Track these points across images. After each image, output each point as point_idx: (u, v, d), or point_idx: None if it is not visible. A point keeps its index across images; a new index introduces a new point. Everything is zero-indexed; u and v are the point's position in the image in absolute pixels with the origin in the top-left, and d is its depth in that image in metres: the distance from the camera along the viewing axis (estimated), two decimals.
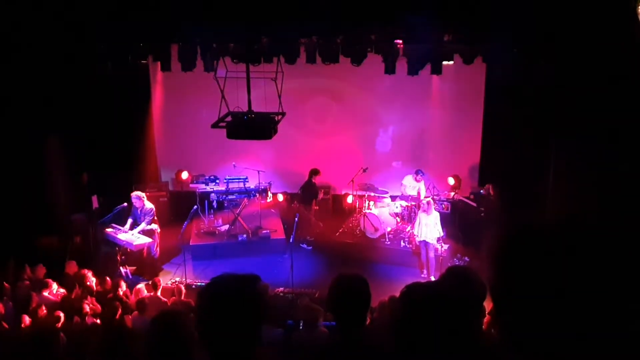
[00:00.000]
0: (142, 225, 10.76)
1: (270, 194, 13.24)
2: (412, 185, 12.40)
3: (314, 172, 12.72)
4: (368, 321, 2.83)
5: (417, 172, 12.29)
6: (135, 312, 7.75)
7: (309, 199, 12.71)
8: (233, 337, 2.04)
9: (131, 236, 10.63)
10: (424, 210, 10.56)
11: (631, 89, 8.39)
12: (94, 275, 9.13)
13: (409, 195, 12.28)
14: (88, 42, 9.88)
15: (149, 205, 10.96)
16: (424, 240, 10.61)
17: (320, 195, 13.04)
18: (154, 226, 11.00)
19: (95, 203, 11.98)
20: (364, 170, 12.65)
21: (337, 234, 12.28)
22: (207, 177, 13.67)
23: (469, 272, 2.42)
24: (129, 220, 10.92)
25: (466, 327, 1.81)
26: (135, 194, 10.95)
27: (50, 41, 9.44)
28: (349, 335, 2.60)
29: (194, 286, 10.10)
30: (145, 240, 10.64)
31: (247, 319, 2.05)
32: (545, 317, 1.32)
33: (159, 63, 11.34)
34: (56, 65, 9.96)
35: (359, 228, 12.19)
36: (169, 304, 8.23)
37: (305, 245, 12.26)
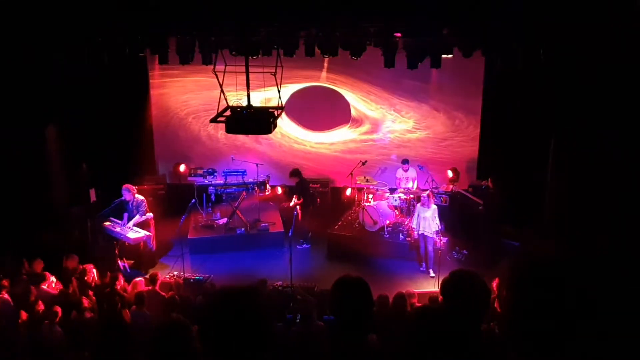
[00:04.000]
0: (136, 218, 10.73)
1: (268, 187, 13.22)
2: (404, 177, 12.45)
3: (293, 173, 12.52)
4: None
5: (403, 162, 12.50)
6: (134, 307, 7.73)
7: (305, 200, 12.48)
8: (238, 349, 2.02)
9: (128, 230, 10.62)
10: (423, 204, 10.55)
11: (631, 84, 8.39)
12: (95, 269, 9.12)
13: (408, 188, 12.30)
14: (86, 35, 9.82)
15: (139, 197, 10.89)
16: (423, 234, 10.61)
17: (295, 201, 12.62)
18: (149, 215, 10.96)
19: (93, 196, 11.96)
20: (363, 163, 12.64)
21: (336, 227, 12.25)
22: (205, 170, 13.65)
23: (473, 279, 2.40)
24: (125, 214, 10.89)
25: (472, 337, 1.82)
26: (124, 186, 10.78)
27: (48, 34, 9.39)
28: (351, 337, 2.60)
29: (192, 280, 10.09)
30: (143, 233, 10.61)
31: (251, 331, 2.04)
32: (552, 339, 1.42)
33: (156, 56, 11.25)
34: (54, 58, 9.92)
35: (357, 221, 12.17)
36: (167, 298, 8.21)
37: (300, 246, 12.09)
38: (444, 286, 2.48)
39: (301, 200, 12.14)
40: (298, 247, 11.89)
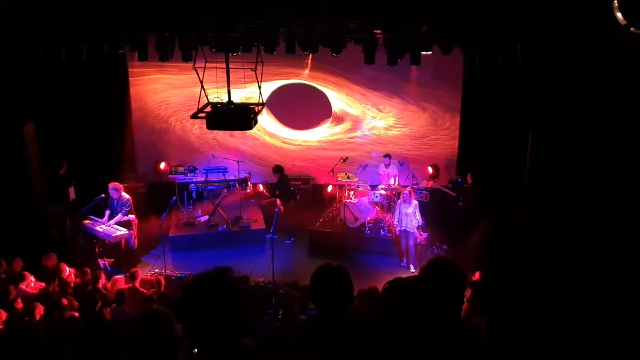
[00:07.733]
0: (118, 216, 10.70)
1: (250, 184, 13.21)
2: (385, 173, 12.53)
3: (276, 170, 12.56)
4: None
5: (385, 156, 12.57)
6: (114, 305, 7.69)
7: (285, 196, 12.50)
8: (218, 331, 2.05)
9: (109, 228, 10.56)
10: (405, 201, 10.61)
11: (609, 82, 8.51)
12: (72, 267, 9.05)
13: (389, 185, 12.38)
14: (64, 32, 9.73)
15: (125, 196, 10.88)
16: (405, 230, 10.68)
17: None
18: (131, 216, 10.92)
19: (72, 194, 11.86)
20: (344, 160, 12.69)
21: (318, 223, 12.28)
22: (186, 168, 13.60)
23: (450, 264, 2.45)
24: (107, 212, 10.84)
25: (446, 319, 1.85)
26: (112, 185, 10.82)
27: (26, 31, 9.29)
28: (330, 325, 2.63)
29: (173, 277, 10.05)
30: (124, 231, 10.56)
31: (229, 312, 2.07)
32: (529, 314, 1.40)
33: (136, 52, 11.16)
34: (32, 55, 9.81)
35: (339, 217, 12.21)
36: (148, 295, 8.18)
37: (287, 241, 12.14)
38: (422, 272, 2.52)
39: (277, 193, 12.20)
40: (286, 242, 11.94)
